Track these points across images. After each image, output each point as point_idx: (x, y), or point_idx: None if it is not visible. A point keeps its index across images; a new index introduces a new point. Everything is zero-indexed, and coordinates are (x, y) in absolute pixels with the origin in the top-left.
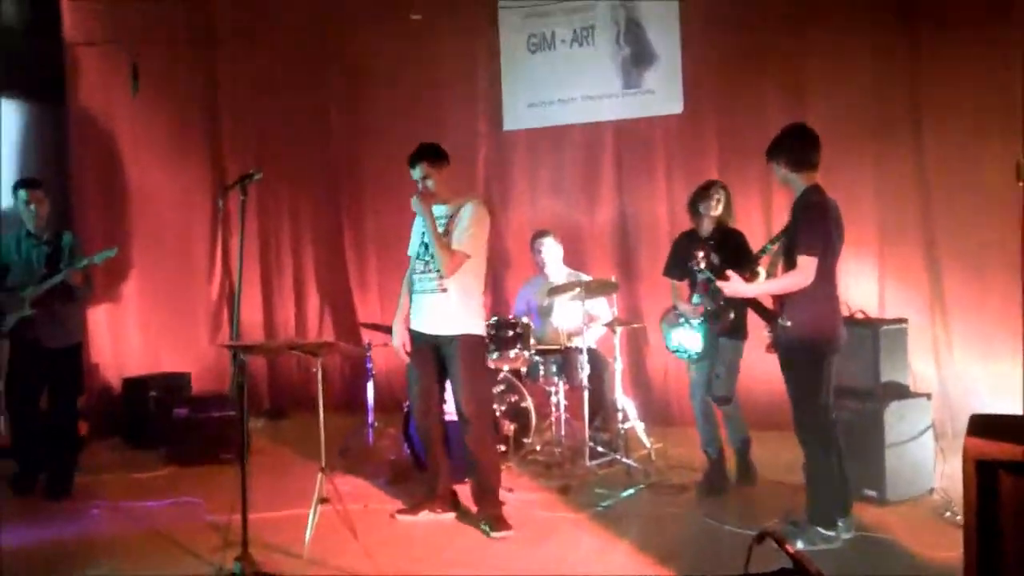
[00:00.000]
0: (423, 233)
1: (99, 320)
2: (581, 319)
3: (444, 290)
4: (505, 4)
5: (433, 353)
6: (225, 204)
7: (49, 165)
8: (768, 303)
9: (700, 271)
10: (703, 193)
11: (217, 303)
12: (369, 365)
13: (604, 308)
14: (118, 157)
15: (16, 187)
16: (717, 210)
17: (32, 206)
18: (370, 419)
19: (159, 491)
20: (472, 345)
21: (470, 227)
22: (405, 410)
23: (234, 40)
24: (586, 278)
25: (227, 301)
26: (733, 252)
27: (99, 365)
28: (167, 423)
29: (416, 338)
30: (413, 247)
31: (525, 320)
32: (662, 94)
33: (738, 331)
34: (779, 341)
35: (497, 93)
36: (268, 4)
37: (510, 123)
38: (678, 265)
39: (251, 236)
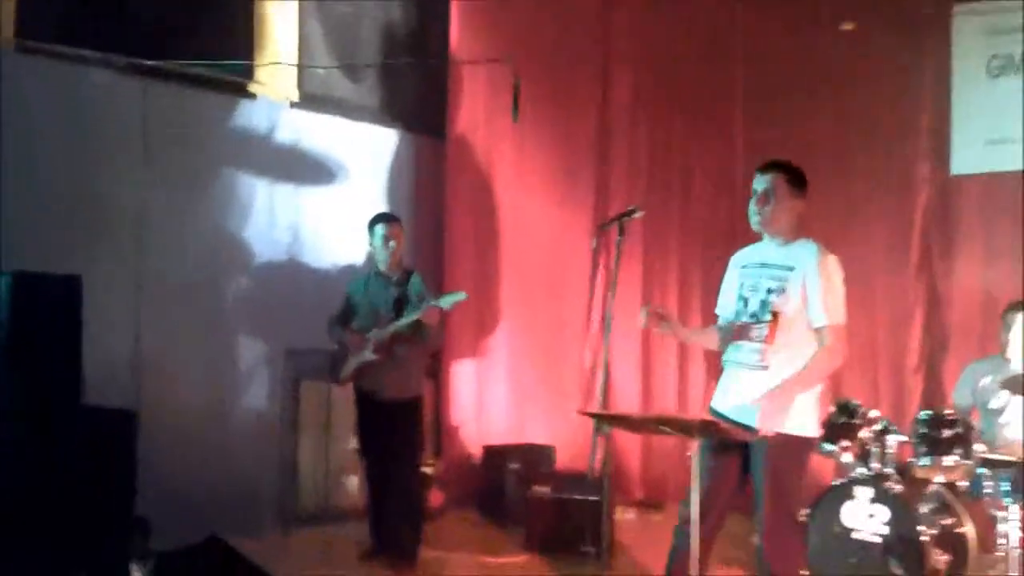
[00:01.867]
0: (743, 286)
1: (463, 378)
2: None
3: (765, 367)
4: (962, 11)
5: (738, 449)
6: (600, 246)
7: (426, 200)
8: None
9: None
10: None
11: (592, 366)
12: None
13: None
14: (494, 191)
15: (373, 221)
16: None
17: (391, 243)
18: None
19: None
20: (792, 449)
21: (834, 286)
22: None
23: (627, 54)
24: None
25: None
26: None
27: (459, 429)
28: (526, 501)
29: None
30: (726, 306)
31: (968, 419)
32: None
33: None
34: None
35: (945, 127)
36: (668, 17)
37: (961, 165)
38: None
39: (633, 286)
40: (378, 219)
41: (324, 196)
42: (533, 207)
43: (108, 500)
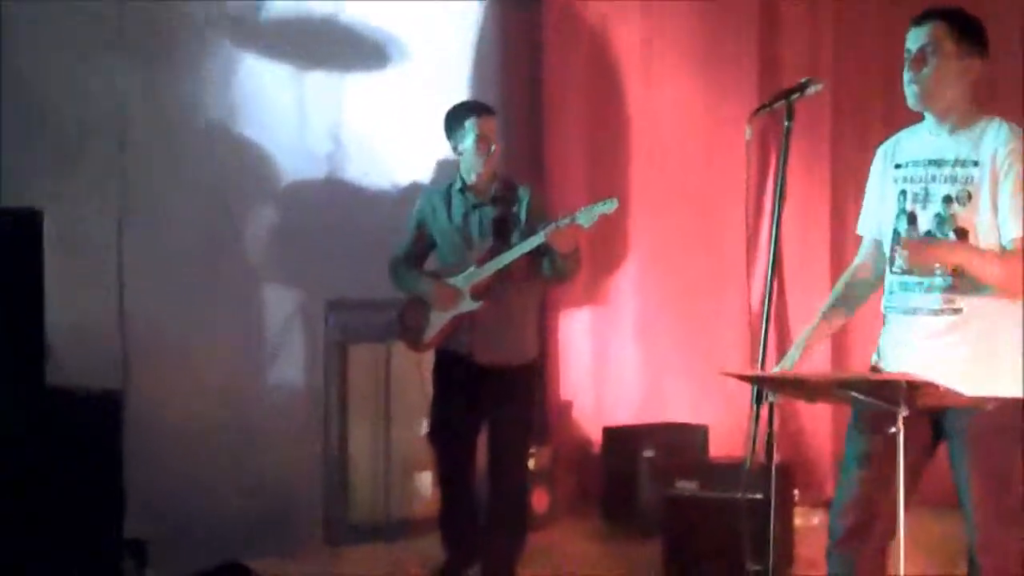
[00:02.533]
0: (905, 196)
1: (576, 334)
2: None
3: (957, 310)
4: None
5: (920, 427)
6: (768, 140)
7: (516, 89)
8: None
9: None
10: None
11: (761, 310)
12: None
13: None
14: (613, 72)
15: (459, 115)
16: None
17: (490, 146)
18: None
19: None
20: (1009, 417)
21: None
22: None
23: None
24: None
25: (776, 312)
26: None
27: (571, 405)
28: (665, 502)
29: None
30: (878, 221)
31: None
32: None
33: None
34: None
35: None
36: None
37: None
38: None
39: (817, 193)
40: (466, 110)
41: (372, 87)
42: (669, 94)
43: (87, 516)
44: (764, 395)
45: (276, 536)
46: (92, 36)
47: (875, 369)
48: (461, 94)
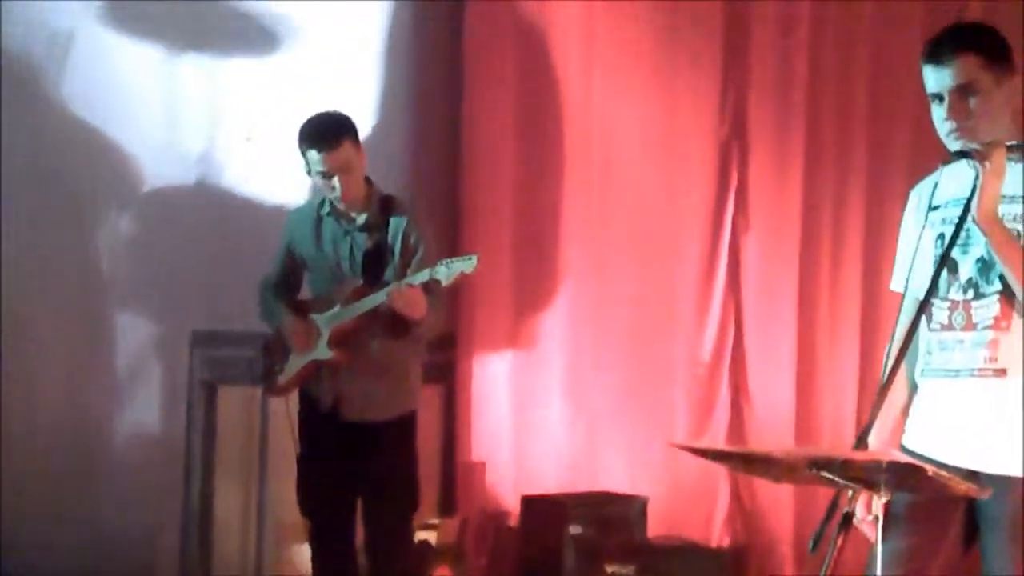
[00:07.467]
0: (941, 239)
1: (491, 386)
2: None
3: (1001, 371)
4: None
5: (952, 508)
6: (719, 161)
7: (431, 87)
8: None
9: None
10: None
11: (712, 365)
12: None
13: None
14: (550, 69)
15: (300, 140)
16: None
17: (331, 182)
18: None
19: None
20: None
21: None
22: None
23: None
24: None
25: (732, 364)
26: None
27: (483, 468)
28: None
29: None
30: (914, 273)
31: None
32: None
33: None
34: None
35: None
36: None
37: None
38: None
39: (782, 240)
40: (304, 139)
41: (258, 76)
42: (612, 104)
43: None
44: (840, 503)
45: None
46: None
47: (905, 451)
48: (365, 87)
